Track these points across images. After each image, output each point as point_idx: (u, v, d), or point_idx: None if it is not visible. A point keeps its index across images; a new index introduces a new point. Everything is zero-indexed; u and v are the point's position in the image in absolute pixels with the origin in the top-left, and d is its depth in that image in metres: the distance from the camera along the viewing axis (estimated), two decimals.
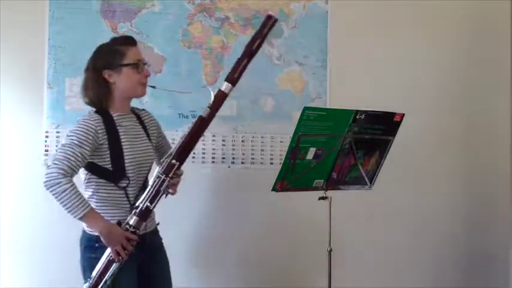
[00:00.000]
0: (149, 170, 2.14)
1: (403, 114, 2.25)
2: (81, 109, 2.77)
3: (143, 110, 2.25)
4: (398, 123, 2.25)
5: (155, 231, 2.19)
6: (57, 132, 2.78)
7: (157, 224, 2.20)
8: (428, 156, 3.02)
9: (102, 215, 1.98)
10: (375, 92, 2.93)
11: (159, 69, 2.85)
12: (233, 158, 2.90)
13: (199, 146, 2.86)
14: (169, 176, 1.98)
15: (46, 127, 2.79)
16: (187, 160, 2.84)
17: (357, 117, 2.12)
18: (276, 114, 2.92)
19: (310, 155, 2.12)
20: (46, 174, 1.91)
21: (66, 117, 2.78)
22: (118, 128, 2.03)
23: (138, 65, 2.06)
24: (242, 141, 2.91)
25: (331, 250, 2.23)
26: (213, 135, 2.88)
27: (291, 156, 2.07)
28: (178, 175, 2.06)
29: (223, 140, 2.89)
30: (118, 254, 1.91)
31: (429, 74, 3.03)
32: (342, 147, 2.18)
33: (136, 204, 1.98)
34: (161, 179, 1.97)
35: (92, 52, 2.09)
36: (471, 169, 3.08)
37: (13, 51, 2.77)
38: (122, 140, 2.03)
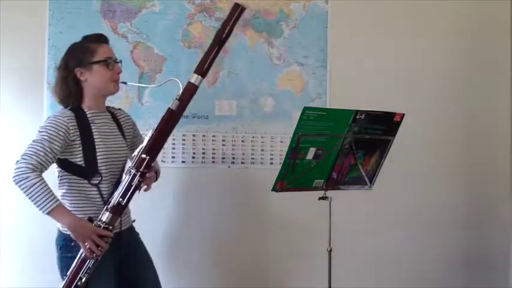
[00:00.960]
0: (123, 168, 2.13)
1: (403, 114, 2.25)
2: None
3: (119, 109, 2.26)
4: (398, 123, 2.25)
5: (131, 228, 2.18)
6: None
7: (133, 221, 2.18)
8: (428, 156, 3.02)
9: (76, 212, 1.98)
10: (375, 92, 2.93)
11: (159, 69, 2.85)
12: (233, 158, 2.90)
13: (199, 146, 2.87)
14: (140, 170, 1.96)
15: None
16: (188, 160, 2.87)
17: (357, 117, 2.12)
18: (276, 114, 2.92)
19: (310, 155, 2.12)
20: (15, 169, 1.91)
21: None
22: (91, 124, 2.03)
23: (109, 62, 2.06)
24: (242, 141, 2.91)
25: (331, 250, 2.23)
26: (213, 135, 2.88)
27: (291, 156, 2.07)
28: (150, 170, 2.01)
29: (223, 140, 2.89)
30: (91, 251, 1.90)
31: (429, 74, 3.04)
32: (342, 147, 2.18)
33: (110, 200, 1.97)
34: (132, 174, 1.95)
35: (65, 51, 2.10)
36: (471, 169, 3.08)
37: (13, 51, 2.77)
38: (95, 137, 2.02)
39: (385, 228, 2.99)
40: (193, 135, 2.87)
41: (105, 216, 1.94)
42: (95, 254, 1.90)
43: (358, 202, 2.84)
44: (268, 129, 2.92)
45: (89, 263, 1.92)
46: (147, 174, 2.00)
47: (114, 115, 2.19)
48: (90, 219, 1.95)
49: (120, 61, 2.13)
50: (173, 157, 2.85)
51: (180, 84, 2.00)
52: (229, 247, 2.90)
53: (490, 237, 3.07)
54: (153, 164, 2.07)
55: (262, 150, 2.92)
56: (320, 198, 2.21)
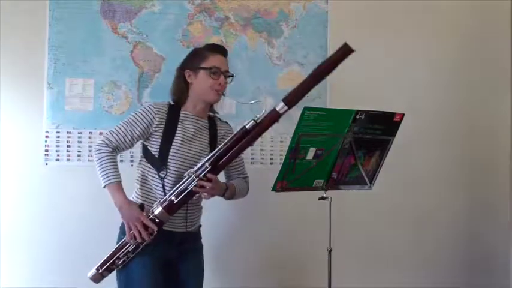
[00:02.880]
0: None
1: (403, 114, 2.25)
2: (81, 109, 2.79)
3: (225, 122, 2.34)
4: (398, 123, 2.25)
5: (195, 235, 2.27)
6: (57, 132, 2.78)
7: (200, 226, 2.29)
8: (428, 156, 3.02)
9: (141, 198, 2.13)
10: (375, 92, 2.93)
11: (157, 69, 2.85)
12: None
13: None
14: (199, 176, 2.03)
15: (46, 127, 2.78)
16: None
17: (357, 117, 2.12)
18: None
19: (310, 155, 2.12)
20: (97, 140, 2.12)
21: (66, 117, 2.78)
22: (179, 123, 2.14)
23: (214, 72, 2.14)
24: None
25: (331, 250, 2.23)
26: None
27: (291, 156, 2.07)
28: (209, 179, 2.05)
29: None
30: (132, 235, 2.01)
31: (429, 74, 3.04)
32: (342, 147, 2.18)
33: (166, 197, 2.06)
34: (190, 177, 2.04)
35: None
36: (471, 169, 3.08)
37: (13, 51, 2.77)
38: (177, 135, 2.12)
39: (385, 228, 2.99)
40: None
41: (157, 209, 2.04)
42: (136, 240, 2.01)
43: (358, 202, 2.84)
44: (268, 129, 2.91)
45: (129, 247, 2.03)
46: (206, 183, 2.04)
47: (215, 125, 2.26)
48: (142, 206, 2.06)
49: (232, 76, 2.22)
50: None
51: (265, 108, 2.07)
52: (229, 247, 2.89)
53: (490, 238, 3.07)
54: (235, 183, 2.22)
55: (262, 150, 2.92)
56: (320, 198, 2.21)
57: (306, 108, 2.03)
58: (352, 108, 2.13)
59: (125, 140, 2.09)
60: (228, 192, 2.23)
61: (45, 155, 2.77)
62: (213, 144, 2.23)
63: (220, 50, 2.22)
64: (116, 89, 2.80)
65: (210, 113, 2.28)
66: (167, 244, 2.11)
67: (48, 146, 2.78)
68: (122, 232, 2.10)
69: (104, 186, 2.04)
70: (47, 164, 2.75)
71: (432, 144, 3.03)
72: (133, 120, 2.11)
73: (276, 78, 2.94)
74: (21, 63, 2.77)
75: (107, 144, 2.07)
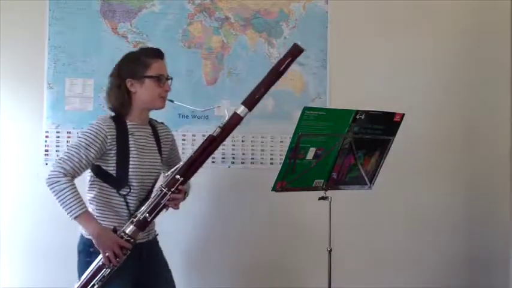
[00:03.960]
0: (154, 183, 2.14)
1: (403, 114, 2.25)
2: (81, 109, 2.79)
3: (161, 123, 2.27)
4: (398, 123, 2.25)
5: (154, 242, 2.20)
6: (57, 132, 2.78)
7: (157, 234, 2.21)
8: (428, 156, 3.02)
9: (100, 218, 2.01)
10: (375, 92, 2.93)
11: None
12: (233, 158, 2.90)
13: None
14: (172, 190, 1.98)
15: (46, 127, 2.78)
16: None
17: (357, 117, 2.12)
18: (276, 114, 2.92)
19: (310, 155, 2.12)
20: (49, 172, 1.95)
21: (66, 117, 2.78)
22: (129, 136, 2.05)
23: (161, 79, 2.07)
24: (242, 141, 2.91)
25: (331, 250, 2.23)
26: None
27: (291, 156, 2.07)
28: (181, 191, 2.02)
29: None
30: (109, 260, 1.92)
31: (429, 74, 3.04)
32: (342, 147, 2.18)
33: (135, 214, 1.99)
34: (163, 192, 1.98)
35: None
36: (471, 169, 3.08)
37: (13, 51, 2.77)
38: (131, 149, 2.04)
39: (385, 228, 2.99)
40: (193, 135, 2.86)
41: (129, 228, 1.97)
42: (112, 264, 1.93)
43: (358, 202, 2.83)
44: (268, 129, 2.92)
45: (105, 272, 1.94)
46: (178, 195, 2.01)
47: (155, 129, 2.20)
48: (115, 230, 1.97)
49: (171, 78, 2.15)
50: None
51: (227, 114, 2.02)
52: (228, 247, 2.89)
53: (490, 237, 3.07)
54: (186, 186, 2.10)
55: (262, 150, 2.92)
56: (320, 198, 2.21)
57: (306, 108, 2.03)
58: (352, 108, 2.13)
59: (80, 165, 1.96)
60: (186, 194, 2.16)
61: (45, 155, 2.78)
62: (159, 149, 2.17)
63: (159, 54, 2.12)
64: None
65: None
66: (136, 258, 2.03)
67: (48, 146, 2.78)
68: (87, 255, 2.00)
69: (75, 218, 1.91)
70: (46, 164, 2.75)
71: (432, 144, 3.03)
72: (86, 143, 1.97)
73: None
74: (21, 63, 2.78)
75: (64, 174, 1.92)
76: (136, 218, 1.97)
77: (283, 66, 2.03)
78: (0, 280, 2.76)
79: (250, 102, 2.03)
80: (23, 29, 2.78)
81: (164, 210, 2.01)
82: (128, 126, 2.06)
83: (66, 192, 1.90)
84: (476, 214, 3.07)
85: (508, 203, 3.05)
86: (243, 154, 2.91)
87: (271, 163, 2.91)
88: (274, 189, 2.11)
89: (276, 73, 2.04)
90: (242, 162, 2.90)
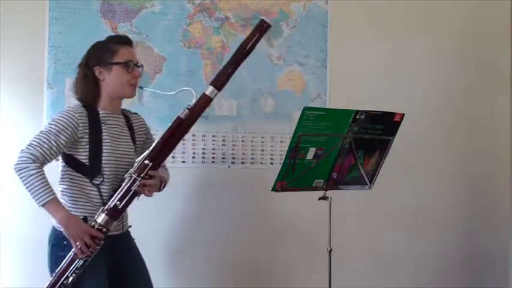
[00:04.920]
0: (127, 171, 2.06)
1: (403, 114, 2.25)
2: None
3: (135, 113, 2.24)
4: (398, 123, 2.25)
5: (127, 234, 2.17)
6: None
7: (129, 226, 2.17)
8: (428, 156, 3.02)
9: (73, 210, 1.98)
10: (375, 92, 2.93)
11: (158, 69, 2.85)
12: (233, 158, 2.90)
13: (199, 146, 2.87)
14: (141, 176, 1.95)
15: None
16: (188, 160, 2.86)
17: (357, 117, 2.12)
18: (276, 114, 2.92)
19: (310, 155, 2.12)
20: (17, 157, 1.91)
21: None
22: (102, 124, 2.02)
23: (129, 65, 2.04)
24: (242, 141, 2.91)
25: (331, 250, 2.23)
26: (213, 135, 2.88)
27: (291, 156, 2.07)
28: (151, 176, 1.98)
29: (223, 140, 2.89)
30: (81, 250, 1.88)
31: (429, 74, 3.04)
32: (342, 147, 2.18)
33: (107, 203, 1.96)
34: (132, 178, 1.94)
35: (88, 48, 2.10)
36: (471, 169, 3.08)
37: (13, 51, 2.77)
38: (103, 138, 2.01)
39: (385, 228, 2.99)
40: (193, 135, 2.86)
41: (101, 218, 1.93)
42: (84, 255, 1.89)
43: (358, 202, 2.84)
44: (268, 129, 2.92)
45: (78, 263, 1.91)
46: (149, 182, 1.98)
47: (128, 119, 2.17)
48: (85, 219, 1.94)
49: (142, 66, 2.12)
50: (173, 157, 2.84)
51: (195, 94, 1.99)
52: (229, 247, 2.89)
53: (490, 237, 3.07)
54: (161, 173, 2.07)
55: (262, 150, 2.92)
56: (320, 198, 2.21)
57: (306, 108, 2.03)
58: (352, 108, 2.13)
59: (50, 152, 1.91)
60: (162, 186, 2.13)
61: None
62: (133, 138, 2.14)
63: (127, 41, 2.09)
64: None
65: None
66: (110, 250, 1.98)
67: None
68: (59, 249, 1.96)
69: (43, 205, 1.87)
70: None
71: (432, 144, 3.03)
72: (56, 129, 1.92)
73: (276, 78, 2.94)
74: (21, 63, 2.78)
75: (33, 160, 1.88)
76: (107, 206, 1.94)
77: (250, 44, 1.99)
78: (0, 280, 2.76)
79: (219, 83, 2.01)
80: (23, 29, 2.78)
81: (136, 197, 1.98)
82: (100, 115, 2.03)
83: (34, 179, 1.86)
84: (476, 214, 3.07)
85: (508, 203, 3.05)
86: (243, 154, 2.90)
87: (271, 163, 2.91)
88: (274, 189, 2.11)
89: (243, 51, 2.00)
90: (242, 162, 2.90)
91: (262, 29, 2.00)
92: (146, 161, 1.96)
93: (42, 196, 1.86)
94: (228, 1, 2.92)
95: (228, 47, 2.91)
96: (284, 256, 2.93)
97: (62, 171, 2.04)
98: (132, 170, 1.97)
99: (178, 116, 1.98)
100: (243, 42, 2.01)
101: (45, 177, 1.89)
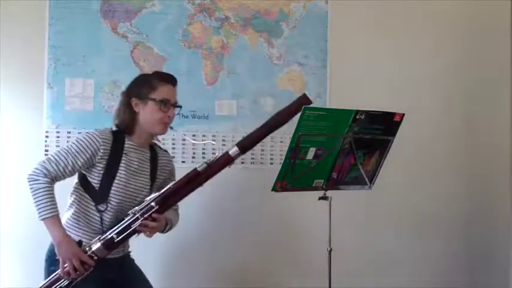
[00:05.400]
0: (135, 206, 2.05)
1: (403, 114, 2.25)
2: (81, 109, 2.79)
3: (165, 151, 2.25)
4: (398, 123, 2.25)
5: (126, 255, 2.19)
6: (57, 132, 2.78)
7: (130, 251, 2.20)
8: (428, 156, 3.03)
9: (72, 227, 2.02)
10: (375, 92, 2.94)
11: (159, 69, 2.84)
12: None
13: (199, 146, 2.86)
14: (144, 216, 1.94)
15: (46, 127, 2.78)
16: (188, 160, 2.86)
17: (357, 117, 2.12)
18: None
19: (310, 155, 2.12)
20: (33, 168, 1.94)
21: (66, 117, 2.78)
22: (123, 155, 2.03)
23: (165, 104, 2.04)
24: None
25: (331, 250, 2.23)
26: (213, 135, 2.88)
27: (291, 156, 2.07)
28: (155, 219, 1.96)
29: (223, 140, 2.89)
30: (67, 272, 1.90)
31: (429, 74, 3.04)
32: (342, 147, 2.18)
33: (106, 233, 1.96)
34: (135, 217, 1.95)
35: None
36: (471, 169, 3.08)
37: (13, 51, 2.76)
38: (120, 168, 2.02)
39: (385, 228, 2.99)
40: (193, 135, 2.86)
41: (96, 245, 1.94)
42: (70, 276, 1.90)
43: (358, 202, 2.84)
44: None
45: (62, 283, 1.92)
46: (151, 224, 1.96)
47: (155, 154, 2.17)
48: (80, 243, 1.95)
49: (180, 106, 2.12)
50: (173, 157, 2.84)
51: (217, 152, 1.98)
52: (228, 247, 2.89)
53: (490, 237, 3.07)
54: (169, 215, 2.08)
55: (262, 150, 2.92)
56: (320, 198, 2.21)
57: (306, 108, 2.03)
58: (352, 108, 2.13)
59: (64, 170, 1.94)
60: (167, 228, 2.13)
61: (45, 155, 2.77)
62: (153, 175, 2.13)
63: (170, 79, 2.10)
64: (116, 89, 2.80)
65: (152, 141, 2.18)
66: (106, 267, 1.98)
67: (48, 146, 2.78)
68: (51, 264, 1.98)
69: (43, 220, 1.92)
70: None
71: (432, 144, 3.03)
72: (76, 150, 1.95)
73: (276, 78, 2.94)
74: (21, 63, 2.77)
75: (44, 174, 1.91)
76: (104, 236, 1.95)
77: (286, 116, 2.00)
78: (0, 280, 2.76)
79: (245, 146, 1.99)
80: (23, 29, 2.77)
81: (136, 235, 1.98)
82: (125, 145, 2.04)
83: (41, 192, 1.90)
84: (476, 214, 3.07)
85: (508, 203, 3.06)
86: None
87: (271, 163, 2.91)
88: (274, 189, 2.11)
89: (279, 121, 2.01)
90: (242, 162, 2.90)
91: (302, 103, 1.98)
92: (153, 203, 1.96)
93: (44, 211, 1.91)
94: (228, 1, 2.92)
95: (228, 47, 2.91)
96: (284, 256, 2.93)
97: (75, 185, 2.07)
98: (138, 207, 1.97)
99: (196, 169, 1.98)
100: (280, 112, 2.01)
101: (52, 193, 1.93)
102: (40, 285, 1.95)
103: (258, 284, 2.89)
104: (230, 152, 1.98)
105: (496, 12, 3.10)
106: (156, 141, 2.20)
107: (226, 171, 2.88)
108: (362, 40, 2.99)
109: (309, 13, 2.96)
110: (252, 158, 2.91)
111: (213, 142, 2.10)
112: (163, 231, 2.11)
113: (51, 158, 1.95)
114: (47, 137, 2.77)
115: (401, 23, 3.03)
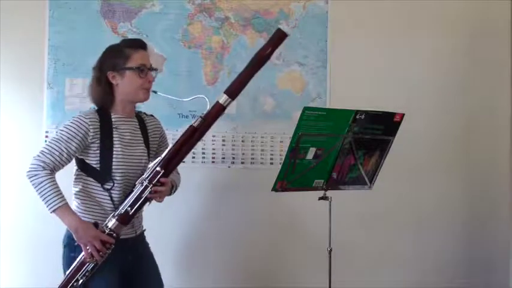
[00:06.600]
0: (139, 176, 2.06)
1: (403, 114, 2.25)
2: (81, 109, 2.78)
3: (151, 115, 2.24)
4: (398, 123, 2.25)
5: (141, 237, 2.17)
6: None
7: (144, 230, 2.18)
8: (428, 156, 3.02)
9: (85, 213, 2.00)
10: (375, 92, 2.93)
11: (159, 69, 2.84)
12: (233, 158, 2.90)
13: (199, 146, 2.86)
14: (153, 183, 1.95)
15: (46, 127, 2.78)
16: (188, 160, 2.86)
17: (357, 117, 2.12)
18: (276, 114, 2.92)
19: (310, 155, 2.13)
20: (29, 164, 1.93)
21: (66, 117, 2.77)
22: (114, 130, 2.02)
23: (142, 70, 2.03)
24: (242, 141, 2.91)
25: (331, 250, 2.23)
26: (213, 135, 2.88)
27: (291, 156, 2.07)
28: (163, 183, 1.98)
29: (223, 140, 2.89)
30: (91, 255, 1.90)
31: (429, 74, 3.04)
32: (342, 147, 2.18)
33: (118, 208, 1.97)
34: (144, 185, 1.95)
35: (98, 52, 2.10)
36: (471, 169, 3.08)
37: (13, 51, 2.77)
38: (115, 143, 2.01)
39: (385, 228, 2.99)
40: None
41: (111, 222, 1.95)
42: (94, 258, 1.91)
43: (358, 202, 2.83)
44: (268, 129, 2.92)
45: (88, 266, 1.93)
46: (160, 188, 1.98)
47: (142, 121, 2.16)
48: (96, 224, 1.95)
49: (156, 69, 2.10)
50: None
51: (208, 102, 1.98)
52: (228, 247, 2.89)
53: (490, 237, 3.07)
54: (172, 177, 2.08)
55: (262, 150, 2.92)
56: (320, 198, 2.21)
57: (306, 108, 2.03)
58: (352, 108, 2.13)
59: (61, 158, 1.93)
60: (173, 190, 2.15)
61: None
62: (147, 142, 2.13)
63: (141, 44, 2.07)
64: None
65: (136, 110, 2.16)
66: (122, 253, 1.99)
67: None
68: (71, 250, 1.98)
69: (53, 211, 1.90)
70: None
71: (432, 144, 3.03)
72: (67, 136, 1.94)
73: (276, 78, 2.94)
74: (22, 63, 2.78)
75: (42, 167, 1.90)
76: (118, 212, 1.95)
77: (265, 53, 1.97)
78: (0, 280, 2.76)
79: (233, 91, 1.99)
80: (23, 29, 2.78)
81: (147, 203, 1.99)
82: (113, 119, 2.03)
83: (44, 185, 1.89)
84: (476, 214, 3.07)
85: (508, 203, 3.06)
86: (243, 154, 2.90)
87: (271, 163, 2.91)
88: (274, 189, 2.11)
89: (259, 60, 1.99)
90: (242, 162, 2.90)
91: (278, 38, 1.98)
92: (158, 168, 1.96)
93: (52, 202, 1.89)
94: (228, 1, 2.92)
95: (228, 47, 2.91)
96: (284, 256, 2.93)
97: (75, 174, 2.05)
98: (143, 176, 1.98)
99: (191, 125, 1.98)
100: (259, 51, 1.99)
101: (55, 184, 1.92)
102: (67, 273, 1.95)
103: (258, 283, 2.89)
104: (220, 101, 1.97)
105: (496, 12, 3.10)
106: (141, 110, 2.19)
107: (226, 171, 2.90)
108: (362, 40, 2.99)
109: (309, 13, 2.96)
110: (252, 158, 2.91)
111: (202, 96, 2.00)
112: (170, 193, 2.12)
113: (44, 150, 1.94)
114: (46, 137, 2.78)
115: (401, 23, 3.03)
